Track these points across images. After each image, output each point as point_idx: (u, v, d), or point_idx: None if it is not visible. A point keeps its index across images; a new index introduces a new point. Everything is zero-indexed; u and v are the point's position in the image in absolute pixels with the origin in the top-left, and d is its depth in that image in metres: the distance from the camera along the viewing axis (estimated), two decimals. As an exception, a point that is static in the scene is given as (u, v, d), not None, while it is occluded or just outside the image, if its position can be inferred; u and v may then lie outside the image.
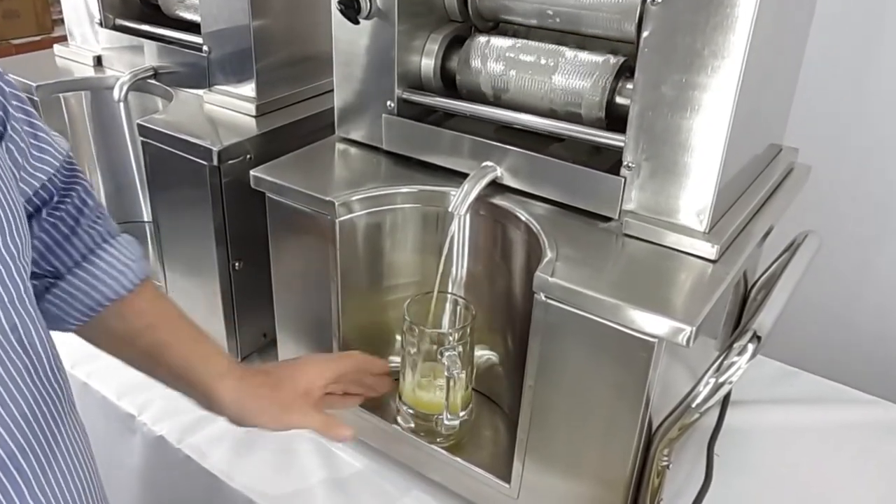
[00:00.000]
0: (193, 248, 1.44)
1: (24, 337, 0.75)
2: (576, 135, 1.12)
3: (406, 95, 1.25)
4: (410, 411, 1.26)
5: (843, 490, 1.31)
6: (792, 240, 1.22)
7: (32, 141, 0.90)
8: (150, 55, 1.61)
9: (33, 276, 0.96)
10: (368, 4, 1.17)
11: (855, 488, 1.32)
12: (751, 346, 0.96)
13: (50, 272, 0.98)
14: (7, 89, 0.84)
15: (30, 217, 0.95)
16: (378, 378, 1.26)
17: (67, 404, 0.84)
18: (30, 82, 1.61)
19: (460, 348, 1.17)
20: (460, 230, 1.23)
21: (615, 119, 1.11)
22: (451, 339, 1.19)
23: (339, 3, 1.18)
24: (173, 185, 1.43)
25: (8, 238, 0.73)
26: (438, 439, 1.24)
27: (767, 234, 1.15)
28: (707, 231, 1.02)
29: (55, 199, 0.97)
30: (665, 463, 1.02)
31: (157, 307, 1.07)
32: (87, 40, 1.75)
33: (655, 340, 0.92)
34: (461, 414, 1.24)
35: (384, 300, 1.30)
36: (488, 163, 1.17)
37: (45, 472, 0.77)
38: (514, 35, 1.25)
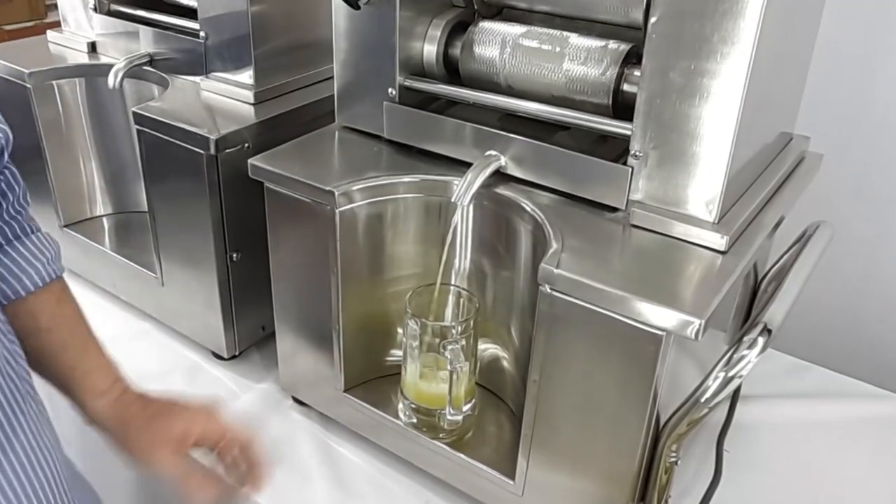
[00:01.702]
0: (190, 238, 1.44)
1: None
2: (582, 123, 1.12)
3: (408, 82, 1.24)
4: (413, 406, 1.26)
5: (856, 487, 1.31)
6: (803, 230, 1.22)
7: None
8: (146, 41, 1.61)
9: None
10: (369, -11, 1.17)
11: (869, 485, 1.32)
12: (761, 340, 0.96)
13: None
14: None
15: None
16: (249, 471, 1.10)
17: (26, 396, 0.84)
18: (22, 69, 1.61)
19: (463, 341, 1.18)
20: (463, 221, 1.23)
21: (622, 107, 1.11)
22: (454, 331, 1.19)
23: (340, -13, 1.18)
24: (169, 174, 1.43)
25: None
26: (441, 435, 1.24)
27: (778, 224, 1.14)
28: (716, 221, 1.02)
29: None
30: (673, 459, 1.02)
31: (54, 311, 1.03)
32: (82, 26, 1.74)
33: (663, 334, 0.92)
34: (464, 409, 1.24)
35: (385, 292, 1.30)
36: (492, 152, 1.17)
37: None
38: (519, 21, 1.25)
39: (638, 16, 1.08)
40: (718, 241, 1.01)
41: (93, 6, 1.70)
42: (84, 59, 1.71)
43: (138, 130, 1.42)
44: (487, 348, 1.32)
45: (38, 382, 1.00)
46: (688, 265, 1.00)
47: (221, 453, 1.07)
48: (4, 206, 0.97)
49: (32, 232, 1.01)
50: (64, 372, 1.04)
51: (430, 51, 1.25)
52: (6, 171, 0.97)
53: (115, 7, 1.70)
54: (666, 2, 0.96)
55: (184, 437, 1.04)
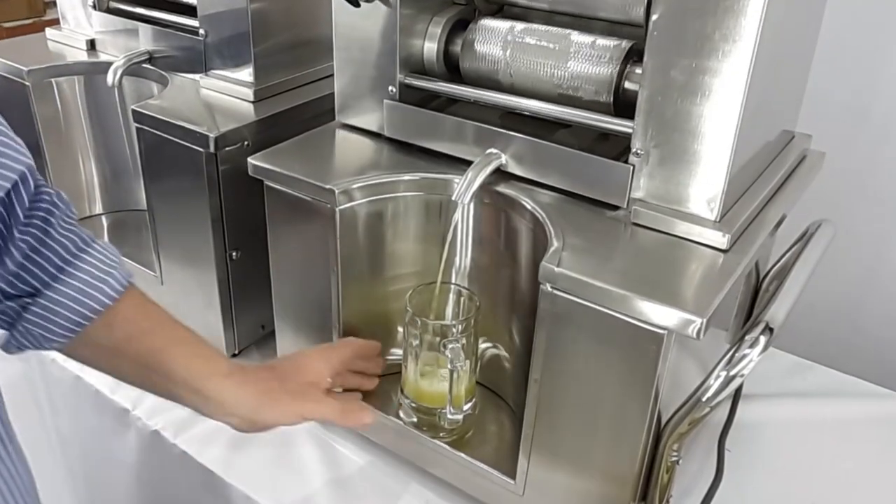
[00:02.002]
0: (189, 237, 1.45)
1: None
2: (583, 121, 1.12)
3: (408, 80, 1.24)
4: (413, 405, 1.26)
5: (859, 486, 1.31)
6: (805, 229, 1.22)
7: None
8: (145, 39, 1.61)
9: (8, 297, 0.93)
10: (369, -14, 1.17)
11: (872, 485, 1.32)
12: (763, 339, 0.96)
13: (26, 290, 0.94)
14: None
15: None
16: (372, 361, 1.28)
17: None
18: (21, 67, 1.61)
19: (464, 340, 1.18)
20: (464, 219, 1.23)
21: (623, 105, 1.11)
22: (454, 330, 1.19)
23: (340, -16, 1.18)
24: (169, 172, 1.43)
25: None
26: (441, 434, 1.24)
27: (780, 222, 1.14)
28: (718, 220, 1.02)
29: (21, 214, 0.91)
30: (675, 458, 1.02)
31: (145, 312, 1.03)
32: (81, 23, 1.74)
33: (665, 332, 0.92)
34: (465, 408, 1.24)
35: (386, 291, 1.30)
36: (493, 150, 1.17)
37: None
38: (520, 18, 1.25)
39: (639, 13, 1.08)
40: (720, 239, 1.01)
41: (92, 3, 1.70)
42: (83, 56, 1.71)
43: (137, 128, 1.42)
44: (488, 347, 1.32)
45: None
46: (689, 264, 1.00)
47: (344, 375, 1.22)
48: (54, 223, 0.95)
49: (93, 241, 0.99)
50: (177, 369, 1.03)
51: (430, 48, 1.25)
52: (46, 194, 0.95)
53: (114, 4, 1.70)
54: (667, -1, 0.96)
55: (316, 382, 1.14)
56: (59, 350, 0.99)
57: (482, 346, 1.30)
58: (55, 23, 1.80)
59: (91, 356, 1.02)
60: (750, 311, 1.30)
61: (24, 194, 0.91)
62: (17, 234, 0.91)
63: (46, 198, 0.95)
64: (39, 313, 0.94)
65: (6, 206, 0.89)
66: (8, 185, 0.86)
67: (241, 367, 1.09)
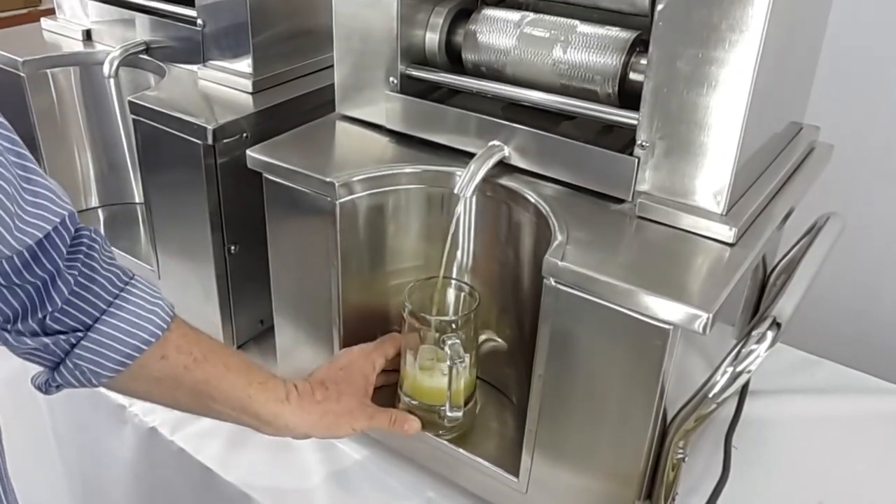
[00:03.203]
0: (187, 231, 1.45)
1: None
2: (587, 112, 1.12)
3: (410, 71, 1.24)
4: (413, 402, 1.26)
5: (868, 484, 1.31)
6: (813, 222, 1.22)
7: (25, 185, 0.84)
8: (142, 29, 1.61)
9: (55, 333, 0.94)
10: (370, -25, 1.17)
11: (881, 482, 1.32)
12: (770, 334, 0.96)
13: (74, 326, 0.95)
14: None
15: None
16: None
17: None
18: (16, 57, 1.61)
19: (463, 336, 1.18)
20: (466, 212, 1.23)
21: (628, 96, 1.11)
22: (453, 326, 1.19)
23: (340, -26, 1.18)
24: (166, 165, 1.43)
25: None
26: (441, 431, 1.24)
27: (788, 216, 1.14)
28: (724, 213, 1.02)
29: (64, 251, 0.92)
30: (680, 456, 1.02)
31: (196, 340, 1.06)
32: (76, 13, 1.74)
33: (670, 328, 0.92)
34: (465, 405, 1.24)
35: (386, 285, 1.30)
36: (495, 142, 1.17)
37: None
38: (523, 7, 1.25)
39: (644, 3, 1.08)
40: (727, 233, 1.01)
41: (88, -7, 1.70)
42: (79, 47, 1.71)
43: (134, 120, 1.42)
44: (490, 342, 1.32)
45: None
46: (695, 258, 1.00)
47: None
48: (97, 258, 0.96)
49: (133, 274, 1.01)
50: (235, 394, 1.07)
51: (431, 39, 1.25)
52: (85, 232, 0.97)
53: (110, -6, 1.70)
54: (673, -12, 0.96)
55: (366, 390, 1.22)
56: (108, 386, 1.01)
57: (484, 341, 1.30)
58: (51, 13, 1.80)
59: (145, 389, 1.05)
60: (757, 305, 1.30)
61: (66, 235, 0.93)
62: (63, 268, 0.92)
63: (86, 233, 0.97)
64: (91, 347, 0.95)
65: (51, 244, 0.91)
66: (41, 233, 0.87)
67: (296, 389, 1.14)
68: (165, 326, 0.99)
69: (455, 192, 1.13)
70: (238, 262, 1.45)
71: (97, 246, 0.97)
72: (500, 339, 1.31)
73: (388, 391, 1.29)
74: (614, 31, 1.12)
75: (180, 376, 1.03)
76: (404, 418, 1.21)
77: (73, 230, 0.94)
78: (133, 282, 1.00)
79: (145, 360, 0.98)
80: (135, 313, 0.97)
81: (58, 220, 0.89)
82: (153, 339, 0.98)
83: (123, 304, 0.97)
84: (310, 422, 1.13)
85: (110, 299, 0.97)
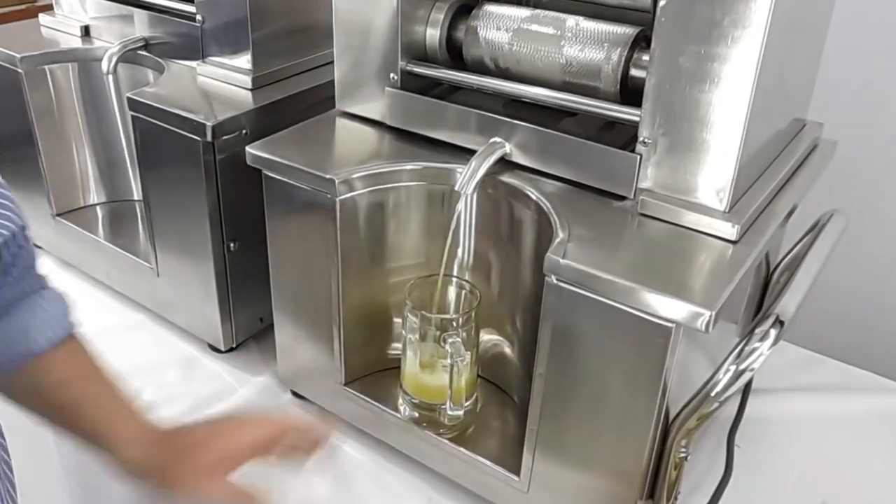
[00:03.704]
0: (186, 228, 1.45)
1: None
2: (589, 109, 1.12)
3: (410, 67, 1.24)
4: (414, 400, 1.26)
5: (871, 483, 1.31)
6: (817, 219, 1.22)
7: None
8: (141, 25, 1.61)
9: None
10: (370, -29, 1.17)
11: (884, 482, 1.32)
12: (773, 332, 0.96)
13: None
14: None
15: None
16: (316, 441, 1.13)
17: None
18: (14, 53, 1.61)
19: (464, 334, 1.18)
20: (467, 210, 1.23)
21: (630, 92, 1.11)
22: (454, 324, 1.19)
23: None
24: (165, 161, 1.43)
25: None
26: (442, 430, 1.24)
27: (791, 213, 1.14)
28: (727, 210, 1.02)
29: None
30: (683, 455, 1.02)
31: (72, 364, 1.02)
32: (75, 9, 1.74)
33: (673, 326, 0.92)
34: (465, 404, 1.24)
35: (387, 283, 1.30)
36: (497, 139, 1.17)
37: None
38: (524, 3, 1.25)
39: (647, -2, 1.08)
40: (729, 230, 1.01)
41: (86, -11, 1.70)
42: (77, 43, 1.71)
43: (133, 117, 1.42)
44: (491, 340, 1.32)
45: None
46: (698, 255, 1.00)
47: (280, 454, 1.08)
48: (16, 261, 0.95)
49: (46, 286, 1.00)
50: (87, 427, 1.03)
51: (432, 34, 1.25)
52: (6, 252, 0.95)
53: (109, -11, 1.70)
54: (676, -16, 0.96)
55: (234, 456, 1.04)
56: None
57: (486, 339, 1.30)
58: (48, 8, 1.80)
59: (16, 394, 1.02)
60: (760, 303, 1.30)
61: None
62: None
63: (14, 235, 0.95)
64: None
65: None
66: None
67: (155, 433, 1.05)
68: (42, 349, 0.97)
69: (456, 189, 1.14)
70: (237, 260, 1.45)
71: (16, 259, 0.95)
72: (501, 338, 1.31)
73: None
74: (616, 27, 1.12)
75: (43, 394, 1.00)
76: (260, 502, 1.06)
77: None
78: (37, 296, 0.99)
79: (29, 368, 0.97)
80: (21, 328, 0.96)
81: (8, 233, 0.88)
82: (28, 355, 0.96)
83: (16, 315, 0.96)
84: (156, 468, 1.02)
85: (6, 306, 0.96)
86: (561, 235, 1.02)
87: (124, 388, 1.05)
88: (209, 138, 1.33)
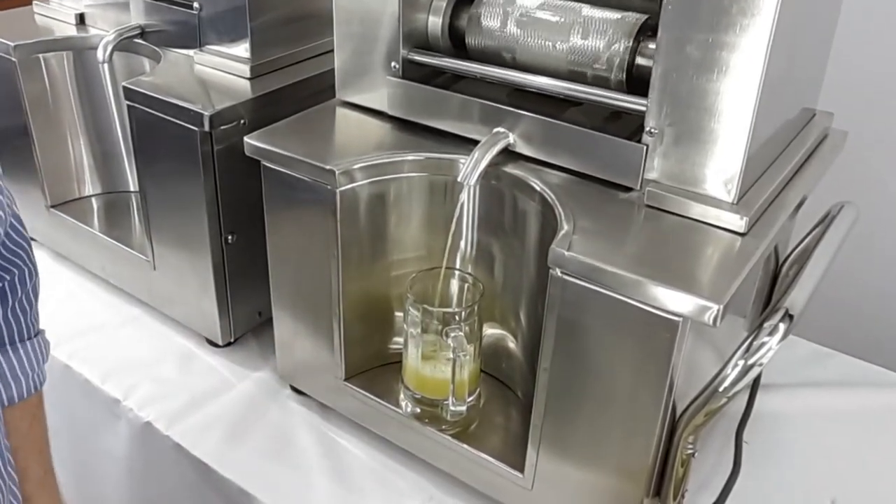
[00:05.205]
0: (183, 220, 1.45)
1: None
2: (594, 98, 1.12)
3: (412, 56, 1.24)
4: (415, 396, 1.26)
5: (881, 480, 1.32)
6: (827, 211, 1.22)
7: None
8: (137, 12, 1.61)
9: None
10: (371, -43, 1.17)
11: (894, 477, 1.32)
12: (782, 326, 0.96)
13: None
14: None
15: None
16: None
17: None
18: (7, 42, 1.61)
19: (467, 328, 1.18)
20: (470, 201, 1.23)
21: (636, 81, 1.11)
22: (457, 317, 1.19)
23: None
24: (162, 152, 1.43)
25: None
26: (444, 426, 1.25)
27: (800, 204, 1.14)
28: (735, 202, 1.02)
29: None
30: (690, 451, 1.03)
31: (26, 433, 1.04)
32: (69, -4, 1.75)
33: (680, 320, 0.92)
34: (468, 399, 1.24)
35: (388, 276, 1.30)
36: (500, 129, 1.17)
37: None
38: (529, -10, 1.25)
39: (653, -15, 1.08)
40: (737, 222, 1.01)
41: (81, -25, 1.70)
42: (72, 31, 1.71)
43: (129, 106, 1.42)
44: (495, 335, 1.32)
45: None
46: (705, 248, 1.00)
47: None
48: (8, 306, 0.96)
49: (29, 337, 1.00)
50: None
51: (435, 22, 1.25)
52: (23, 258, 0.96)
53: (103, -24, 1.70)
54: (683, -30, 0.96)
55: None
56: None
57: (489, 333, 1.30)
58: (42, -4, 1.80)
59: None
60: (769, 297, 1.30)
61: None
62: None
63: (17, 271, 0.96)
64: None
65: None
66: None
67: None
68: (13, 401, 0.98)
69: (459, 180, 1.13)
70: (235, 252, 1.45)
71: (10, 300, 0.96)
72: (504, 332, 1.31)
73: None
74: (622, 15, 1.12)
75: None
76: None
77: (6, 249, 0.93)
78: (18, 346, 0.98)
79: None
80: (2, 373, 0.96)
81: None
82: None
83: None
84: None
85: None
86: (566, 227, 1.01)
87: (55, 476, 1.06)
88: (207, 128, 1.32)
